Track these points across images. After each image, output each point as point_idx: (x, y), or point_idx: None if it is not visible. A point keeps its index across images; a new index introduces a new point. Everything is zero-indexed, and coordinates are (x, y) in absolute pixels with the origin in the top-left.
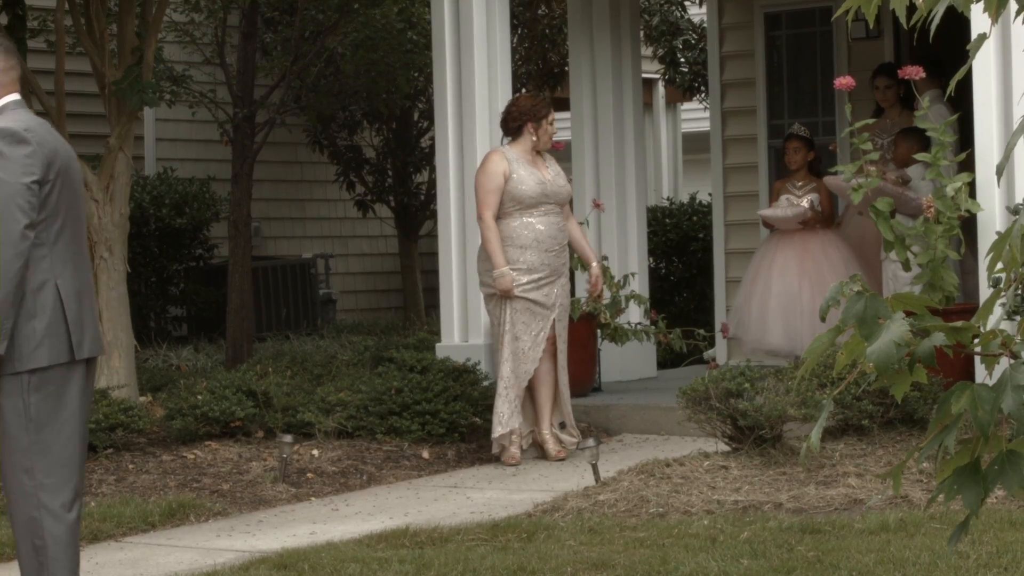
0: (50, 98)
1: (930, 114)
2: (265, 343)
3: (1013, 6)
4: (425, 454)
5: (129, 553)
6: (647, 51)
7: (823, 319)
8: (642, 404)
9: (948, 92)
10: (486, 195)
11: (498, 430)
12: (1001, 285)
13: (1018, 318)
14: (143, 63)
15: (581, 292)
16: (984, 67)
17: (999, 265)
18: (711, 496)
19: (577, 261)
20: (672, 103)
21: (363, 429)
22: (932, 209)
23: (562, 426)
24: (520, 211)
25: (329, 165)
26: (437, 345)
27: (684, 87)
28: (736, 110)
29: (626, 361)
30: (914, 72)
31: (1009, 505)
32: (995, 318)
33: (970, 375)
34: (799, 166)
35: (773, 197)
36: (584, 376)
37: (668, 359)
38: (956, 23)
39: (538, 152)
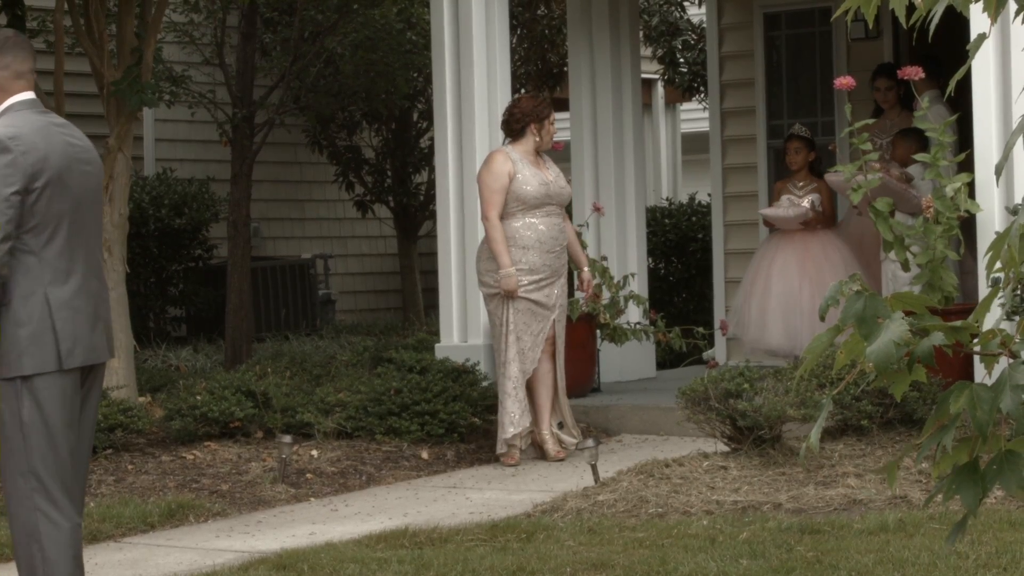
0: (49, 99)
1: (930, 114)
2: (264, 344)
3: (1012, 6)
4: (424, 454)
5: (128, 554)
6: (646, 51)
7: (822, 319)
8: (641, 404)
9: (948, 92)
10: (491, 195)
11: (510, 430)
12: (1000, 285)
13: (1017, 318)
14: (142, 63)
15: (579, 293)
16: (983, 67)
17: (998, 265)
18: (710, 496)
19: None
20: (671, 103)
21: (362, 430)
22: (931, 209)
23: (560, 426)
24: (523, 211)
25: (328, 165)
26: (436, 345)
27: (683, 87)
28: (735, 110)
29: (625, 361)
30: (914, 72)
31: (1008, 505)
32: (994, 318)
33: (969, 375)
34: (800, 166)
35: (774, 197)
36: (583, 376)
37: (667, 359)
38: (956, 23)
39: (538, 153)
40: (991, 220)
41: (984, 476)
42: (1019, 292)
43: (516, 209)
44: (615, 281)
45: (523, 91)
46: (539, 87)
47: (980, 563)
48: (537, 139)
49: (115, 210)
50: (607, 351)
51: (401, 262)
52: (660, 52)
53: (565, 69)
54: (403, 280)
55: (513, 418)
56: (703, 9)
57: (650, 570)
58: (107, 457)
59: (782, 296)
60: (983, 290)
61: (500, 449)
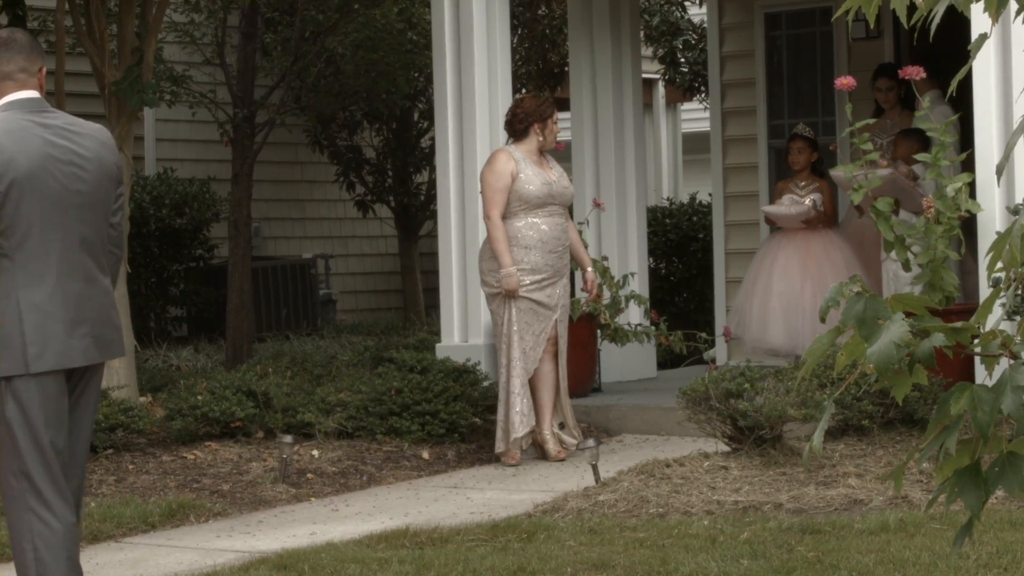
0: (50, 99)
1: (932, 114)
2: (265, 343)
3: (1013, 6)
4: (425, 454)
5: (129, 554)
6: (647, 51)
7: (823, 320)
8: (642, 404)
9: (949, 92)
10: (494, 194)
11: (520, 430)
12: (1000, 285)
13: (1018, 318)
14: (143, 63)
15: (581, 292)
16: (984, 67)
17: (999, 265)
18: (711, 496)
19: (573, 263)
20: (672, 103)
21: (363, 429)
22: (932, 209)
23: (561, 426)
24: (526, 211)
25: (329, 165)
26: (437, 345)
27: (684, 87)
28: (736, 110)
29: (626, 361)
30: (915, 72)
31: (1009, 505)
32: (995, 318)
33: (970, 376)
34: (803, 166)
35: (775, 197)
36: (584, 376)
37: (668, 359)
38: (956, 23)
39: (542, 152)
40: (992, 220)
41: (986, 478)
42: (1020, 292)
43: (519, 209)
44: (616, 281)
45: (524, 91)
46: (540, 87)
47: (981, 563)
48: (540, 139)
49: None
50: (608, 351)
51: (402, 262)
52: (661, 52)
53: (566, 69)
54: (404, 280)
55: (524, 417)
56: (704, 9)
57: (651, 570)
58: (108, 457)
59: (783, 296)
60: (984, 290)
61: (499, 448)
